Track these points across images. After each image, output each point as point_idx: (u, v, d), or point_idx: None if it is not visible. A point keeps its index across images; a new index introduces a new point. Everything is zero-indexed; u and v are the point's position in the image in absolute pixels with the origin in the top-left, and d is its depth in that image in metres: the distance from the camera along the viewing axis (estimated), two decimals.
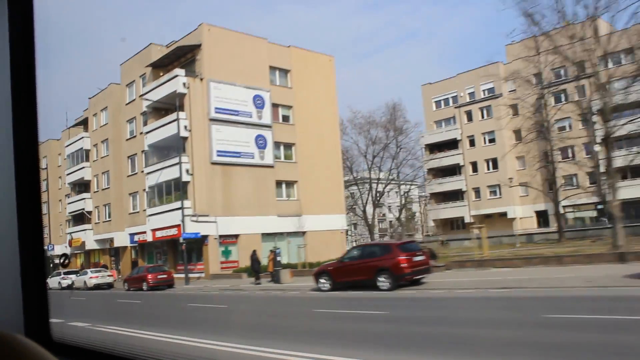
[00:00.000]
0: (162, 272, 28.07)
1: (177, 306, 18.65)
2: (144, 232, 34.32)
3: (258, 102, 34.01)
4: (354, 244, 46.80)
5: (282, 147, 35.40)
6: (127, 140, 37.79)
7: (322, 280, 18.46)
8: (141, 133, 35.22)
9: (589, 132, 45.96)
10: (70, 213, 44.57)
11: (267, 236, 33.18)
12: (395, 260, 16.43)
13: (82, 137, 43.46)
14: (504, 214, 48.09)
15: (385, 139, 48.02)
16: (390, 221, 77.70)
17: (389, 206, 77.42)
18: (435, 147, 52.70)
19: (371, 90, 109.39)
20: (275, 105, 35.10)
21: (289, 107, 35.88)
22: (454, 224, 52.13)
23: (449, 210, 51.50)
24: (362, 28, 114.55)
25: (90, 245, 42.36)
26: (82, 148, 43.33)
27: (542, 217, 48.09)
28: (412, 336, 8.60)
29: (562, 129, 46.31)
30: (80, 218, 43.55)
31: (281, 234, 33.52)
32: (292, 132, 35.68)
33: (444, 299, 14.15)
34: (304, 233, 34.63)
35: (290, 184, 35.41)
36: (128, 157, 37.59)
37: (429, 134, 53.24)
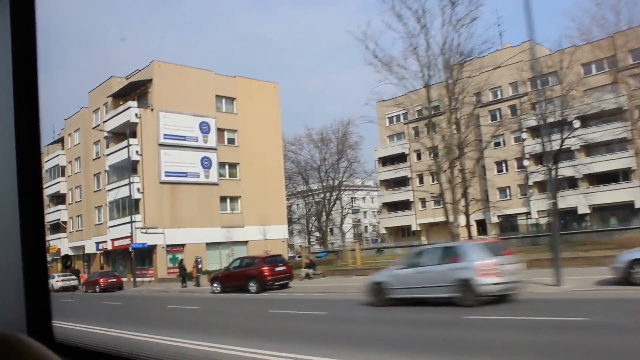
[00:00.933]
0: (112, 277, 33.73)
1: (96, 304, 24.29)
2: (106, 242, 39.99)
3: (204, 127, 39.61)
4: (303, 250, 52.20)
5: (227, 167, 40.97)
6: (93, 160, 43.55)
7: (214, 285, 24.04)
8: (104, 155, 40.91)
9: (520, 148, 51.37)
10: (48, 222, 50.41)
11: (211, 245, 38.76)
12: (260, 270, 21.97)
13: (59, 154, 49.28)
14: (438, 224, 53.33)
15: (337, 153, 53.47)
16: (366, 226, 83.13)
17: (365, 212, 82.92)
18: (387, 160, 58.04)
19: (333, 106, 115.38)
20: (221, 130, 40.67)
21: (234, 130, 41.43)
22: (404, 232, 57.46)
23: (399, 219, 56.82)
24: (332, 46, 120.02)
25: (65, 251, 48.15)
26: (58, 164, 49.16)
27: (481, 226, 53.31)
28: (228, 322, 13.97)
29: (497, 144, 51.47)
30: (57, 227, 49.36)
31: (225, 243, 39.03)
32: (237, 153, 41.23)
33: (280, 300, 19.57)
34: (246, 242, 40.16)
35: (234, 198, 40.97)
36: (94, 174, 43.34)
37: (382, 148, 58.57)
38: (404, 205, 56.64)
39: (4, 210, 1.44)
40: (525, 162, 50.51)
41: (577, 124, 47.76)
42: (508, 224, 52.01)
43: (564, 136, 32.00)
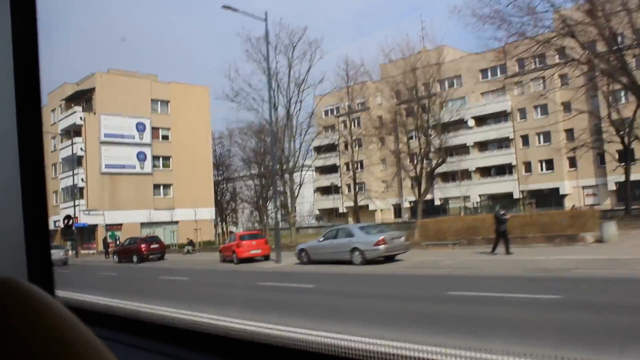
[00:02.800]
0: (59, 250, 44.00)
1: None
2: (59, 221, 50.21)
3: (140, 127, 49.37)
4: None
5: (161, 159, 50.85)
6: (51, 152, 53.56)
7: (114, 257, 34.17)
8: (58, 149, 50.86)
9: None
10: None
11: (145, 224, 48.83)
12: (139, 247, 32.02)
13: None
14: (366, 207, 63.06)
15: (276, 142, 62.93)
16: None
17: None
18: (321, 149, 67.48)
19: None
20: (156, 128, 50.42)
21: (168, 128, 51.16)
22: (334, 213, 67.31)
23: (330, 202, 66.63)
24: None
25: None
26: None
27: (397, 210, 63.10)
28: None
29: (410, 138, 60.62)
30: None
31: (157, 223, 49.08)
32: (170, 148, 51.03)
33: (157, 267, 29.40)
34: (177, 222, 50.19)
35: (167, 186, 50.96)
36: (52, 164, 53.37)
37: (317, 139, 67.97)
38: (335, 189, 66.38)
39: (5, 180, 1.44)
40: (431, 156, 59.74)
41: (471, 123, 57.28)
42: (415, 208, 61.47)
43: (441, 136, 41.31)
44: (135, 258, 31.79)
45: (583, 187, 51.48)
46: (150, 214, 47.67)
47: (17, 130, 1.46)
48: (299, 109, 39.78)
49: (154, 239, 33.41)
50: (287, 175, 38.26)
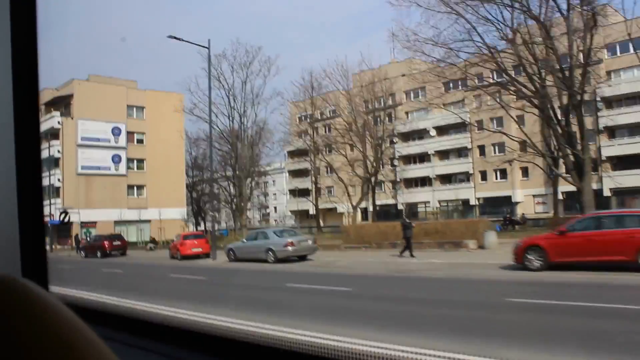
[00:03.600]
0: None
1: None
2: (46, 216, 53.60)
3: (116, 131, 52.73)
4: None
5: (135, 161, 54.20)
6: None
7: (82, 252, 37.47)
8: None
9: (393, 151, 64.03)
10: None
11: (119, 223, 52.15)
12: (102, 243, 35.38)
13: None
14: (334, 209, 66.53)
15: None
16: (275, 207, 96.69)
17: (275, 194, 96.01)
18: (295, 154, 70.94)
19: None
20: (131, 133, 53.78)
21: (143, 133, 54.52)
22: (306, 214, 70.76)
23: (302, 204, 70.06)
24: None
25: None
26: None
27: (364, 213, 66.48)
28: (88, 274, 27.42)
29: (378, 145, 64.08)
30: None
31: (130, 221, 52.40)
32: (144, 151, 54.38)
33: (116, 262, 32.74)
34: (149, 221, 53.52)
35: (140, 187, 54.31)
36: None
37: (291, 144, 71.44)
38: (306, 192, 69.80)
39: (1, 175, 1.45)
40: (396, 162, 63.28)
41: (433, 132, 60.76)
42: (382, 211, 64.92)
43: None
44: (99, 253, 35.16)
45: (534, 196, 54.98)
46: (122, 212, 51.00)
47: (14, 129, 1.49)
48: (255, 119, 42.91)
49: (117, 237, 36.79)
50: (238, 180, 41.56)
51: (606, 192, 50.40)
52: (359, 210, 68.25)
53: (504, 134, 36.16)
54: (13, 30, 1.51)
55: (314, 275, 16.57)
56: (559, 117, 30.54)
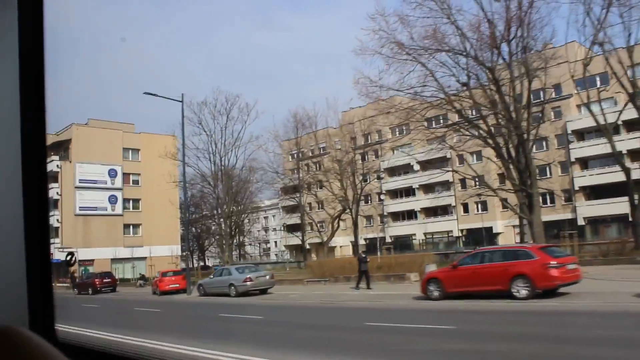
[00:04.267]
0: None
1: None
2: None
3: (112, 173, 55.71)
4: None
5: (131, 201, 57.00)
6: None
7: (75, 290, 39.89)
8: None
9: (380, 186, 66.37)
10: None
11: (116, 260, 54.71)
12: (93, 281, 37.82)
13: None
14: (322, 243, 68.59)
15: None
16: (275, 242, 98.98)
17: (274, 229, 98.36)
18: (287, 190, 73.47)
19: None
20: (127, 174, 56.73)
21: (138, 174, 57.46)
22: (300, 249, 72.86)
23: (295, 239, 72.28)
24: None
25: None
26: None
27: (355, 246, 68.52)
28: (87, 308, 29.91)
29: (365, 180, 66.56)
30: None
31: (127, 259, 54.94)
32: (140, 191, 57.22)
33: (106, 298, 35.14)
34: (145, 258, 55.98)
35: (136, 225, 56.98)
36: None
37: (283, 181, 74.11)
38: (297, 227, 72.10)
39: (8, 210, 1.47)
40: (382, 197, 65.67)
41: (416, 167, 63.12)
42: (371, 244, 66.95)
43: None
44: (90, 290, 37.58)
45: (513, 226, 56.81)
46: (117, 251, 53.62)
47: (21, 172, 1.51)
48: (236, 161, 45.80)
49: (107, 274, 39.26)
50: (222, 220, 44.03)
51: (580, 222, 52.18)
52: (350, 243, 70.46)
53: (456, 171, 38.36)
54: (22, 76, 1.53)
55: (249, 307, 18.86)
56: (512, 155, 32.89)
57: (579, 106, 53.66)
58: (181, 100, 29.77)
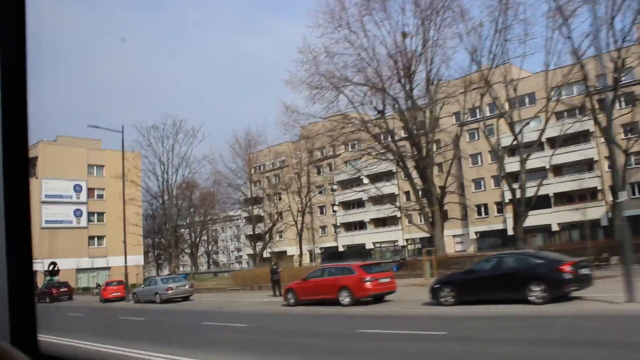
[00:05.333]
0: None
1: None
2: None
3: (77, 188, 59.68)
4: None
5: (96, 215, 60.97)
6: None
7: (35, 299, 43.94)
8: None
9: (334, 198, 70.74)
10: None
11: (81, 270, 58.60)
12: (50, 290, 41.79)
13: None
14: (285, 252, 72.97)
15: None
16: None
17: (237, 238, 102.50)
18: (249, 202, 77.68)
19: None
20: (91, 189, 60.71)
21: (103, 189, 61.45)
22: (261, 258, 77.01)
23: (258, 248, 76.45)
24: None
25: None
26: None
27: (312, 254, 72.91)
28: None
29: (320, 192, 71.02)
30: None
31: (91, 268, 58.84)
32: (104, 205, 61.18)
33: (64, 306, 39.11)
34: (109, 268, 59.94)
35: (100, 237, 60.95)
36: None
37: (255, 190, 78.28)
38: (260, 237, 76.30)
39: None
40: (336, 208, 70.12)
41: (366, 180, 67.60)
42: (325, 253, 71.39)
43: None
44: (47, 299, 41.54)
45: (453, 236, 61.43)
46: (80, 261, 57.57)
47: (3, 190, 1.50)
48: (184, 178, 50.35)
49: (63, 284, 43.30)
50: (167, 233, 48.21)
51: (510, 232, 56.65)
52: (307, 252, 74.84)
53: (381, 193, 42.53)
54: (3, 87, 1.53)
55: (151, 311, 23.13)
56: (414, 176, 37.45)
57: (510, 124, 58.23)
58: (121, 131, 34.04)
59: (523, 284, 14.44)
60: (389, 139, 38.72)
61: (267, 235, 58.66)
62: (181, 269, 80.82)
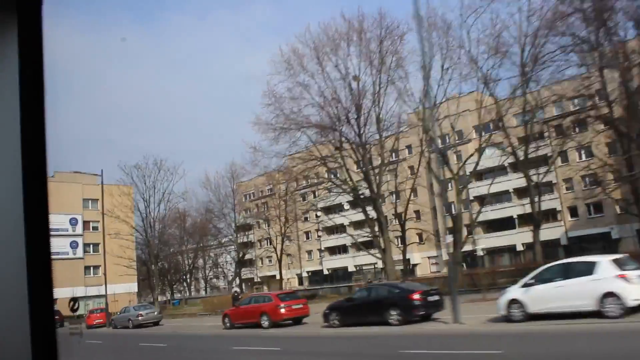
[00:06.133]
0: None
1: None
2: None
3: (73, 221, 64.07)
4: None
5: (92, 246, 65.25)
6: None
7: None
8: None
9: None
10: None
11: (77, 299, 62.61)
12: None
13: None
14: (274, 276, 76.61)
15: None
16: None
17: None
18: (240, 228, 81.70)
19: None
20: (87, 221, 65.07)
21: (98, 221, 65.73)
22: (252, 283, 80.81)
23: (248, 274, 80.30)
24: None
25: None
26: None
27: (300, 278, 76.59)
28: None
29: (306, 219, 74.79)
30: None
31: (89, 297, 62.84)
32: (100, 236, 65.34)
33: None
34: (104, 295, 63.92)
35: (96, 267, 65.12)
36: None
37: (239, 219, 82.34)
38: (251, 262, 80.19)
39: (11, 248, 1.49)
40: (320, 233, 73.90)
41: (347, 206, 71.29)
42: (313, 277, 74.97)
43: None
44: None
45: (429, 258, 64.90)
46: (76, 290, 61.56)
47: (24, 224, 1.53)
48: (166, 212, 54.50)
49: (56, 312, 47.13)
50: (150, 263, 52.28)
51: (480, 252, 60.10)
52: (296, 276, 78.53)
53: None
54: (23, 125, 1.55)
55: (116, 335, 27.01)
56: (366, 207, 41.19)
57: (477, 150, 61.98)
58: (100, 174, 38.32)
59: (385, 309, 18.16)
60: (346, 173, 42.51)
61: (251, 261, 62.40)
62: (179, 294, 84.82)
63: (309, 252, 76.09)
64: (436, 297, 18.38)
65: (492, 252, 59.80)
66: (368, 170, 40.12)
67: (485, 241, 60.14)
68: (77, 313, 56.23)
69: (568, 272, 14.50)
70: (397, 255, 67.42)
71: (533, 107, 34.62)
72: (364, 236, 51.75)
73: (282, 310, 22.43)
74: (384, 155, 41.12)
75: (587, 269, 13.96)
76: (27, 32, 1.64)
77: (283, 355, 14.07)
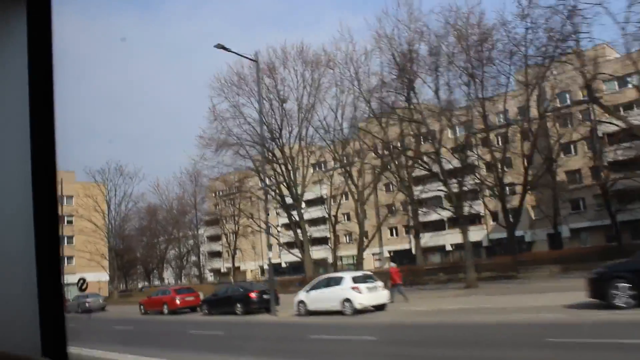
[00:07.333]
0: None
1: None
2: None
3: None
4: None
5: (65, 238, 73.05)
6: None
7: None
8: None
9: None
10: None
11: None
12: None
13: None
14: (238, 268, 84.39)
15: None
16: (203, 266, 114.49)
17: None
18: (209, 223, 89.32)
19: None
20: (61, 216, 72.78)
21: (72, 216, 73.54)
22: (220, 273, 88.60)
23: (216, 264, 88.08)
24: None
25: None
26: None
27: (262, 270, 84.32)
28: None
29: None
30: None
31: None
32: (73, 230, 73.23)
33: None
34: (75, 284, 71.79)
35: (70, 257, 73.04)
36: None
37: (201, 216, 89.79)
38: (219, 254, 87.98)
39: (20, 234, 1.56)
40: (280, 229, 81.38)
41: (303, 204, 78.60)
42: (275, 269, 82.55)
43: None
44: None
45: (373, 254, 72.45)
46: None
47: (32, 211, 1.58)
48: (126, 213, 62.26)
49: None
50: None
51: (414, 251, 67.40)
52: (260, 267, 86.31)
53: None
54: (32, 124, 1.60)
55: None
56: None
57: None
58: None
59: (234, 303, 25.74)
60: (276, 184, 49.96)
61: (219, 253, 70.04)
62: (157, 282, 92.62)
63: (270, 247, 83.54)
64: (268, 296, 25.80)
65: (425, 250, 67.17)
66: (289, 181, 47.58)
67: (421, 241, 67.57)
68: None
69: (329, 283, 22.02)
70: (345, 251, 75.52)
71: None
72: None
73: (177, 302, 30.07)
74: (304, 169, 48.51)
75: (337, 282, 21.49)
76: (36, 22, 1.76)
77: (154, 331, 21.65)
